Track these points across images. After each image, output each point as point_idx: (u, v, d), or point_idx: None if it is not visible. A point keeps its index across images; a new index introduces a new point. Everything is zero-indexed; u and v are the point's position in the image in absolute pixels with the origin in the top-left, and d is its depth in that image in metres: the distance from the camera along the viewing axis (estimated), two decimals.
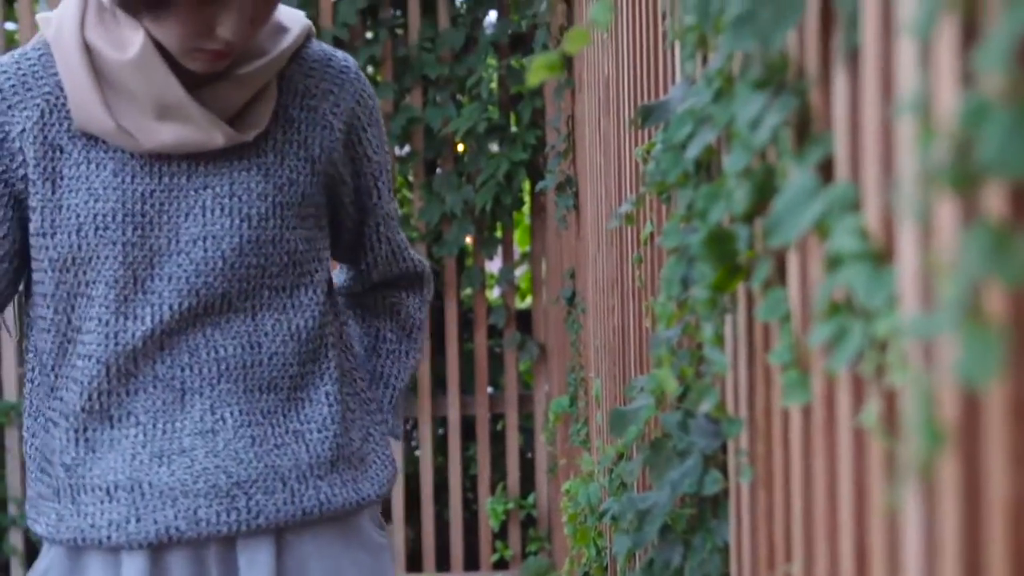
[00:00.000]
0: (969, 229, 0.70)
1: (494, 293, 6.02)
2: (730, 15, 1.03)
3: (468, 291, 5.43)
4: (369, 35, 5.08)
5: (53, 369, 1.77)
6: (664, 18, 1.67)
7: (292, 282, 1.79)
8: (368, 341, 2.01)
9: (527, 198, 5.24)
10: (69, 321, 1.74)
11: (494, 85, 5.05)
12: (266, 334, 1.77)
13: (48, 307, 1.75)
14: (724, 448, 1.50)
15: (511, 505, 5.20)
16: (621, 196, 2.54)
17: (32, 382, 1.80)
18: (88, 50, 1.68)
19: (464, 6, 5.06)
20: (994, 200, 0.66)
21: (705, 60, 1.50)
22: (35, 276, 1.76)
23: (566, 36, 1.26)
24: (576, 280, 4.22)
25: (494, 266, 6.92)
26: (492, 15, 5.10)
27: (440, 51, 4.96)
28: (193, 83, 1.72)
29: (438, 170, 5.13)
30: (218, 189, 1.72)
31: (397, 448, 5.23)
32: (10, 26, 5.17)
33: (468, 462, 5.59)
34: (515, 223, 5.40)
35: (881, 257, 0.89)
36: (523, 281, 6.20)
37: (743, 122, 1.12)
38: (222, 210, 1.71)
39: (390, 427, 1.96)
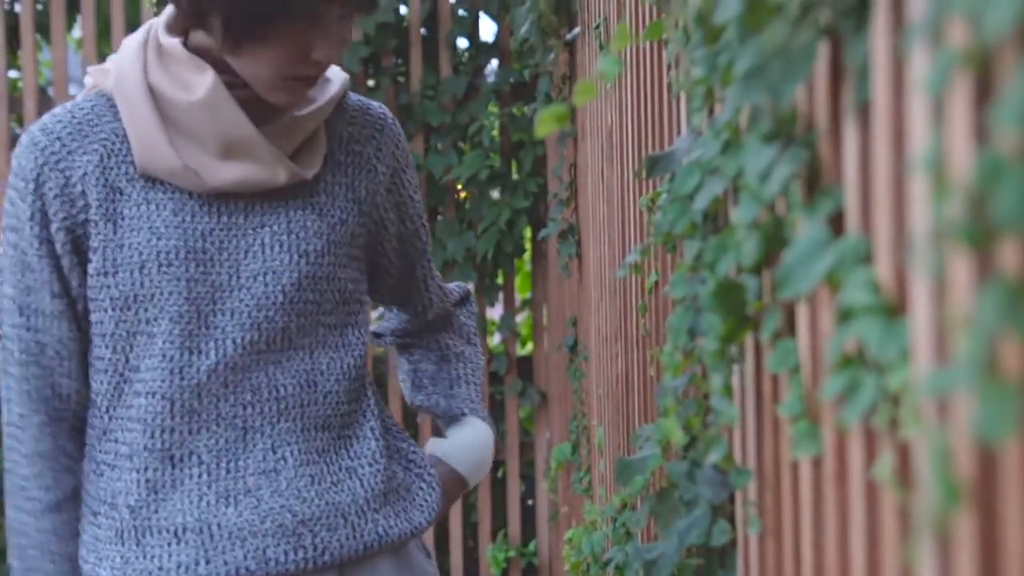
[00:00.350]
0: (985, 284, 0.70)
1: (495, 340, 6.02)
2: (739, 69, 1.03)
3: None
4: (371, 83, 5.11)
5: (107, 411, 1.79)
6: (669, 69, 1.68)
7: (343, 320, 1.84)
8: (434, 355, 2.10)
9: (528, 245, 5.25)
10: (127, 360, 1.76)
11: (496, 133, 5.06)
12: (321, 372, 1.81)
13: (106, 347, 1.77)
14: (732, 499, 1.49)
15: (512, 553, 5.18)
16: (625, 245, 2.55)
17: (89, 426, 1.82)
18: (152, 93, 1.73)
19: (466, 54, 5.08)
20: (1010, 256, 0.67)
21: (711, 111, 1.51)
22: (93, 317, 1.78)
23: (575, 88, 1.27)
24: (578, 328, 4.22)
25: (495, 313, 6.91)
26: (494, 63, 5.12)
27: (442, 99, 4.98)
28: (255, 124, 1.78)
29: (440, 217, 5.14)
30: (275, 227, 1.77)
31: None
32: (13, 74, 5.19)
33: (469, 509, 5.57)
34: (516, 270, 5.41)
35: (894, 310, 0.89)
36: (524, 328, 6.21)
37: (752, 174, 1.12)
38: (280, 246, 1.77)
39: (487, 421, 2.06)
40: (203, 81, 1.72)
